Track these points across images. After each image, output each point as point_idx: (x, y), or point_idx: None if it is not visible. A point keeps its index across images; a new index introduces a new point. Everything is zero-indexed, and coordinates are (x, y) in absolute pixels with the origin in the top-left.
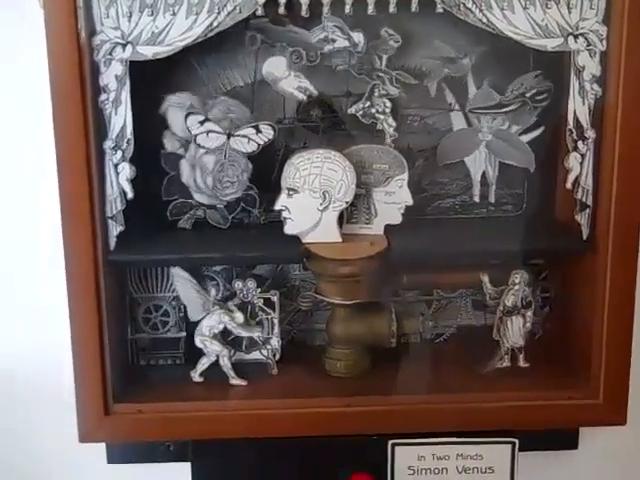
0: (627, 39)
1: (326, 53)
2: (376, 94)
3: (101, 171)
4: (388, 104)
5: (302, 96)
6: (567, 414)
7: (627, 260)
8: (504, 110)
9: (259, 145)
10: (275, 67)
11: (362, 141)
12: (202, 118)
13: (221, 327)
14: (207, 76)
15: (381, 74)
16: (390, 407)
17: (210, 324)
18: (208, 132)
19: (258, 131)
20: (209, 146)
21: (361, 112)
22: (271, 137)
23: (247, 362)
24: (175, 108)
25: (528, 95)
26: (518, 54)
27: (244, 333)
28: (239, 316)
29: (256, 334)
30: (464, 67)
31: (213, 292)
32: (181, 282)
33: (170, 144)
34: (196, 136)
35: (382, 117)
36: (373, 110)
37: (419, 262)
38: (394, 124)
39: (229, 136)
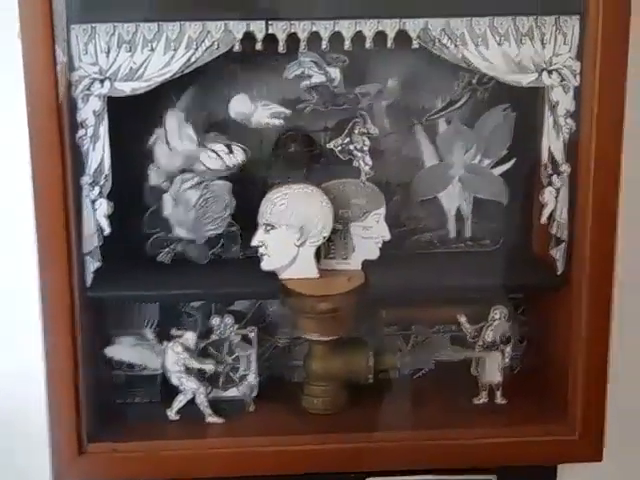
0: (600, 74)
1: (303, 88)
2: (356, 131)
3: (78, 207)
4: (367, 142)
5: (278, 121)
6: (544, 450)
7: (602, 295)
8: (456, 107)
9: (226, 166)
10: (240, 106)
11: (340, 176)
12: (184, 116)
13: (185, 355)
14: (187, 112)
15: (363, 112)
16: (368, 444)
17: (172, 360)
18: (182, 133)
19: (230, 151)
20: (175, 145)
21: (339, 148)
22: (240, 161)
23: (224, 399)
24: (162, 142)
25: (474, 81)
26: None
27: (195, 364)
28: (190, 337)
29: (208, 367)
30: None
31: (148, 334)
32: (124, 354)
33: (155, 178)
34: (167, 132)
35: (360, 155)
36: (352, 147)
37: (397, 297)
38: (370, 162)
39: (199, 144)
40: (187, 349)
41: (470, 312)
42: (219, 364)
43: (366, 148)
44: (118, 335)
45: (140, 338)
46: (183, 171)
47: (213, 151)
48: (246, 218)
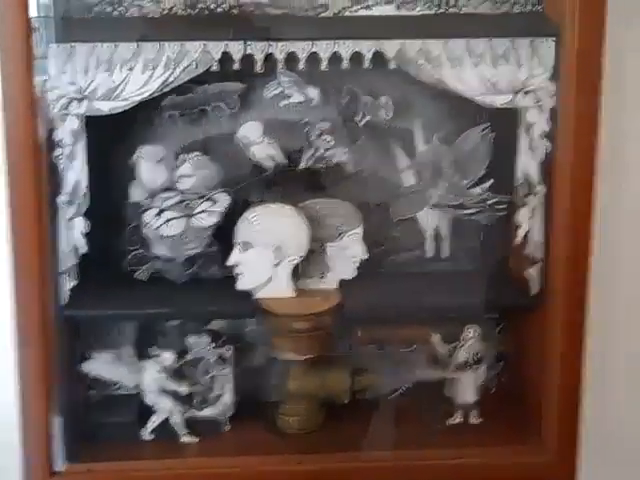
0: (576, 95)
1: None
2: (312, 137)
3: (54, 226)
4: (329, 138)
5: (269, 164)
6: (519, 471)
7: (576, 314)
8: (465, 212)
9: (219, 213)
10: (251, 131)
11: (316, 196)
12: (157, 210)
13: (162, 375)
14: (172, 130)
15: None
16: (344, 464)
17: (149, 378)
18: (167, 221)
19: (213, 202)
20: (174, 233)
21: (312, 160)
22: (227, 204)
23: (199, 419)
24: (145, 159)
25: (489, 202)
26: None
27: (172, 386)
28: (168, 357)
29: (183, 389)
30: None
31: (129, 351)
32: (99, 370)
33: (137, 194)
34: (158, 228)
35: (332, 151)
36: (321, 151)
37: (374, 317)
38: (346, 149)
39: (189, 217)
40: (164, 369)
41: (446, 332)
42: (194, 385)
43: (332, 142)
44: (95, 351)
45: (118, 355)
46: (165, 189)
47: (202, 211)
48: (228, 237)
